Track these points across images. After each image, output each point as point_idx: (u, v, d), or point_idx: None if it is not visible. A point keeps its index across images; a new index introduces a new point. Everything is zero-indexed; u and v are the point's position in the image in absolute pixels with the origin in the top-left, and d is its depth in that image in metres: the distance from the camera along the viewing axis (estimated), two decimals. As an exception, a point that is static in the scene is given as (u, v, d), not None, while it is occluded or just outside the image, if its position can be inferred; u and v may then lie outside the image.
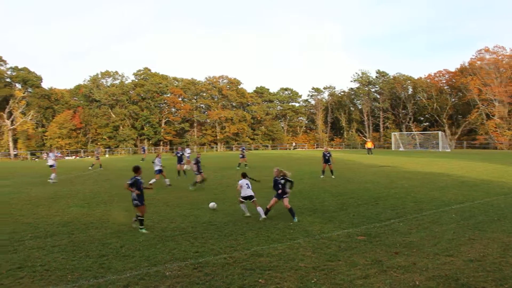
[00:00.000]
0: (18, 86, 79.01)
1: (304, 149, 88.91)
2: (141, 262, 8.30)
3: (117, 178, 25.63)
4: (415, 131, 77.59)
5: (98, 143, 79.69)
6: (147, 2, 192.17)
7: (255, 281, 7.09)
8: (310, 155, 52.54)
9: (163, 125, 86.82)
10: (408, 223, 11.27)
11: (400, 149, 69.53)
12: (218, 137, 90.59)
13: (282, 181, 12.42)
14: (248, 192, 13.03)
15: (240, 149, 36.70)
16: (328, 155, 23.45)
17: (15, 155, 71.56)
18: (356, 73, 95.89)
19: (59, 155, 62.63)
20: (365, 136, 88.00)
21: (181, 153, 26.72)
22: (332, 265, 7.85)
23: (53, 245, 9.67)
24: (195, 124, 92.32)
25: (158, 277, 7.40)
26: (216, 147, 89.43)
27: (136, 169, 11.32)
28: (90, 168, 34.61)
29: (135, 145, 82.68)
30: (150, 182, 18.91)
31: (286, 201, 12.24)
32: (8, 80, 78.57)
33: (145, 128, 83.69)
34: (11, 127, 74.94)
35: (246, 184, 13.12)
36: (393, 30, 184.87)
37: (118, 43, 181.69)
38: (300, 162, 38.98)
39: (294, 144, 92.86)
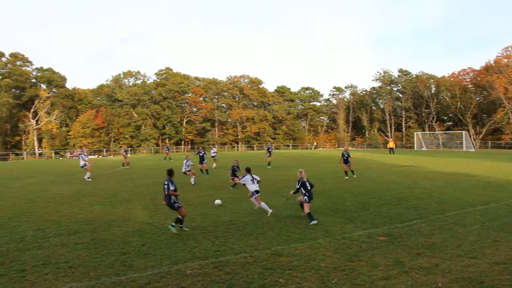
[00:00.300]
0: (43, 86, 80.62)
1: (325, 148, 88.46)
2: (162, 260, 8.36)
3: (139, 177, 25.90)
4: (438, 131, 76.46)
5: (121, 142, 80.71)
6: (169, 2, 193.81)
7: (275, 280, 7.07)
8: (331, 155, 52.20)
9: (184, 124, 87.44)
10: (431, 224, 11.09)
11: (423, 149, 68.57)
12: (239, 137, 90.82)
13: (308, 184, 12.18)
14: (254, 187, 13.51)
15: (266, 148, 36.96)
16: (346, 155, 23.23)
17: (40, 154, 72.95)
18: (378, 72, 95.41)
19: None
20: (387, 136, 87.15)
21: (203, 152, 26.83)
22: (353, 265, 7.78)
23: (76, 243, 9.81)
24: (216, 124, 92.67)
25: (179, 275, 7.44)
26: (237, 147, 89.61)
27: (170, 172, 11.22)
28: (122, 167, 34.68)
29: (157, 144, 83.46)
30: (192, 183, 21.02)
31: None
32: (33, 80, 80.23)
33: (166, 128, 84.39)
34: (36, 127, 76.45)
35: (251, 179, 13.53)
36: (416, 28, 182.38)
37: (140, 43, 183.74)
38: (321, 162, 38.78)
39: (315, 143, 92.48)
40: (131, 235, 10.53)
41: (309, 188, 12.17)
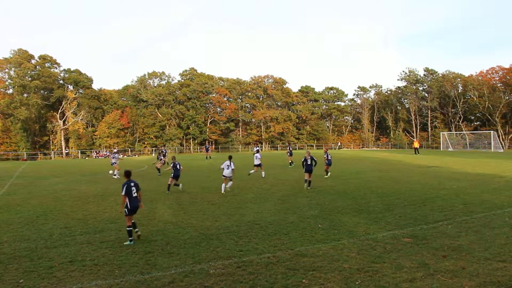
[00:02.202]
0: (70, 87, 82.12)
1: (349, 149, 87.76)
2: (186, 259, 8.40)
3: (164, 176, 26.12)
4: (465, 131, 74.96)
5: (145, 143, 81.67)
6: (192, 3, 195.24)
7: (298, 281, 7.03)
8: (355, 155, 51.77)
9: (208, 124, 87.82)
10: (457, 226, 10.86)
11: (449, 149, 67.40)
12: (263, 137, 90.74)
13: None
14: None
15: (287, 147, 37.85)
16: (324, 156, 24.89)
17: (67, 154, 74.33)
18: (403, 71, 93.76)
19: (109, 153, 64.53)
20: (412, 136, 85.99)
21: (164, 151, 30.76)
22: (377, 267, 7.68)
23: (101, 241, 9.96)
24: (240, 124, 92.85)
25: (202, 274, 7.47)
26: (261, 147, 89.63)
27: (129, 174, 10.58)
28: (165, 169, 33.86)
29: (181, 144, 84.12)
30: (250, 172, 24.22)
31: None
32: (61, 82, 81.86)
33: (190, 128, 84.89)
34: (64, 127, 77.93)
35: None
36: (442, 26, 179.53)
37: (165, 44, 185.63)
38: (346, 162, 38.45)
39: (339, 143, 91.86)
40: (155, 234, 10.64)
41: (309, 163, 18.93)
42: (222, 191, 17.93)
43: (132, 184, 10.21)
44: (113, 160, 27.22)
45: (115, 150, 30.55)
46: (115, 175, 26.15)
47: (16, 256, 8.79)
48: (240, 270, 7.66)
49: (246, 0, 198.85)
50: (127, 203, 10.05)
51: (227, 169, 17.99)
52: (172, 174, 19.45)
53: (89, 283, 7.15)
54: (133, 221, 10.17)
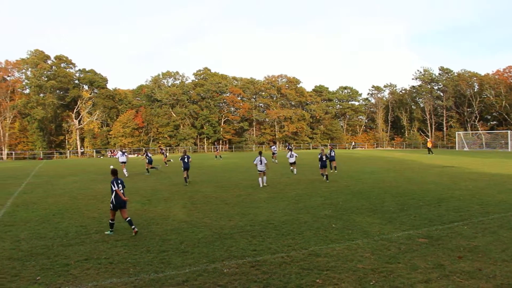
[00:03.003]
0: (86, 87, 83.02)
1: (363, 148, 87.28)
2: (200, 258, 8.43)
3: (177, 176, 26.25)
4: (481, 130, 74.01)
5: (160, 142, 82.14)
6: (206, 3, 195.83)
7: (312, 281, 7.00)
8: (369, 155, 51.46)
9: (222, 124, 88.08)
10: (473, 227, 10.72)
11: (465, 149, 66.64)
12: (277, 136, 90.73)
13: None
14: (260, 167, 19.86)
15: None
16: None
17: (82, 153, 75.12)
18: (418, 70, 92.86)
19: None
20: (427, 136, 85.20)
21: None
22: (391, 267, 7.61)
23: (116, 240, 10.04)
24: (254, 123, 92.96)
25: (216, 274, 7.48)
26: (275, 146, 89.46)
27: (116, 172, 11.31)
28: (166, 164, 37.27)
29: (195, 144, 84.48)
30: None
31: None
32: (76, 82, 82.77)
33: (204, 127, 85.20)
34: (79, 126, 78.77)
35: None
36: (457, 24, 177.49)
37: (179, 44, 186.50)
38: (360, 161, 38.24)
39: (353, 143, 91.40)
40: (169, 233, 10.69)
41: (324, 159, 21.51)
42: (260, 185, 19.94)
43: (119, 181, 10.93)
44: (123, 159, 28.60)
45: (124, 151, 31.52)
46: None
47: (33, 254, 8.92)
48: (254, 270, 7.65)
49: (259, 0, 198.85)
50: (112, 199, 10.71)
51: (260, 164, 20.00)
52: (182, 168, 21.88)
53: (104, 281, 7.21)
54: (128, 218, 10.75)
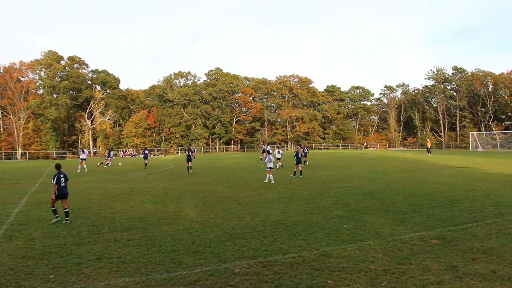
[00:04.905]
0: (98, 87, 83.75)
1: (375, 148, 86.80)
2: (211, 258, 8.43)
3: (189, 175, 26.32)
4: (496, 130, 73.16)
5: (172, 142, 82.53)
6: (219, 4, 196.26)
7: (324, 281, 6.96)
8: (382, 155, 51.14)
9: (234, 124, 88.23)
10: (487, 228, 10.58)
11: (479, 149, 65.96)
12: (288, 136, 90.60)
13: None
14: (269, 164, 21.37)
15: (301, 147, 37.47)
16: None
17: (94, 153, 75.71)
18: (431, 70, 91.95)
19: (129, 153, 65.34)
20: (440, 136, 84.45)
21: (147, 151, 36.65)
22: (403, 268, 7.55)
23: (128, 239, 10.08)
24: (265, 123, 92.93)
25: (227, 273, 7.47)
26: (287, 146, 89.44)
27: (60, 166, 13.06)
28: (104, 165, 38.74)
29: (207, 144, 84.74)
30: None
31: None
32: (89, 82, 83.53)
33: (216, 127, 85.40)
34: (91, 127, 79.46)
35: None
36: (470, 23, 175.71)
37: (191, 45, 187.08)
38: (372, 162, 38.01)
39: (365, 143, 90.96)
40: (181, 232, 10.70)
41: (299, 156, 24.46)
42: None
43: (62, 175, 12.59)
44: (83, 156, 32.86)
45: (85, 149, 35.04)
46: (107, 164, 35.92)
47: (47, 252, 8.99)
48: (265, 270, 7.63)
49: (272, 0, 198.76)
50: (55, 190, 12.37)
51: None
52: (186, 159, 29.22)
53: (116, 280, 7.24)
54: (66, 209, 12.31)
